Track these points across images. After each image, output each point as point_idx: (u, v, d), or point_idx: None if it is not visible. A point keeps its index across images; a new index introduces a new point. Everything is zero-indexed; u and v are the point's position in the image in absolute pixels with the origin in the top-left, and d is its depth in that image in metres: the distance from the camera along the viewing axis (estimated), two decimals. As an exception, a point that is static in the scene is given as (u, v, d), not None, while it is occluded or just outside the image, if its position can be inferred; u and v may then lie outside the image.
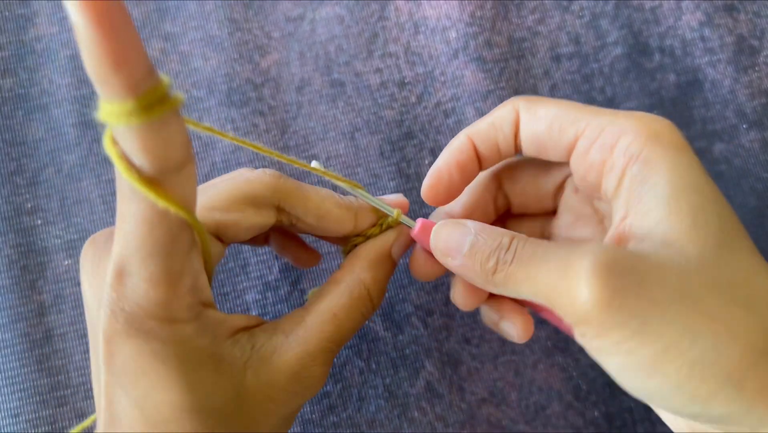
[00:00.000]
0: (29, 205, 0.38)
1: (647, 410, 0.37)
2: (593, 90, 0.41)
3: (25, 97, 0.39)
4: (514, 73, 0.41)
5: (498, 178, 0.31)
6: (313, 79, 0.40)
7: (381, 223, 0.29)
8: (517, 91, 0.40)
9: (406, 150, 0.40)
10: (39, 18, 0.40)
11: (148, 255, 0.21)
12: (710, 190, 0.24)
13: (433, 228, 0.27)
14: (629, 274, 0.21)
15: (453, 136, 0.39)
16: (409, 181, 0.39)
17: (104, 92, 0.18)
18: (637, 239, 0.23)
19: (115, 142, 0.19)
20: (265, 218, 0.27)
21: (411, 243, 0.30)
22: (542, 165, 0.30)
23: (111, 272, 0.22)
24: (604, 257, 0.22)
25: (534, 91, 0.41)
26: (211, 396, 0.23)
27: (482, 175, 0.31)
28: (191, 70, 0.40)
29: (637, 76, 0.41)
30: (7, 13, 0.41)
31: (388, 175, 0.39)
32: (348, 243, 0.30)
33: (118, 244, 0.21)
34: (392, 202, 0.30)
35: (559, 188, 0.31)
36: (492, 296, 0.29)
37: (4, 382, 0.36)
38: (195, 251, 0.23)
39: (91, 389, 0.36)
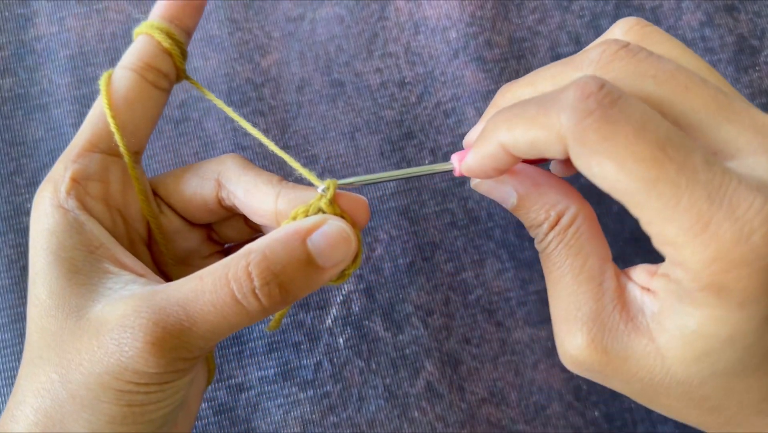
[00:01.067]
0: (29, 206, 0.38)
1: (647, 410, 0.37)
2: (593, 90, 0.41)
3: (24, 97, 0.39)
4: (514, 73, 0.41)
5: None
6: (313, 79, 0.40)
7: (308, 209, 0.24)
8: (517, 91, 0.40)
9: (406, 150, 0.40)
10: (39, 18, 0.40)
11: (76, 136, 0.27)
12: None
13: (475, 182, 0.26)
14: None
15: (453, 136, 0.40)
16: (409, 181, 0.39)
17: None
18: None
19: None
20: (205, 187, 0.28)
21: (349, 246, 0.24)
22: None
23: None
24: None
25: (534, 91, 0.41)
26: (58, 299, 0.24)
27: None
28: (191, 70, 0.40)
29: (637, 76, 0.41)
30: (6, 13, 0.40)
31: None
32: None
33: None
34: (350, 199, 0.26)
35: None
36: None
37: (4, 382, 0.36)
38: (107, 160, 0.27)
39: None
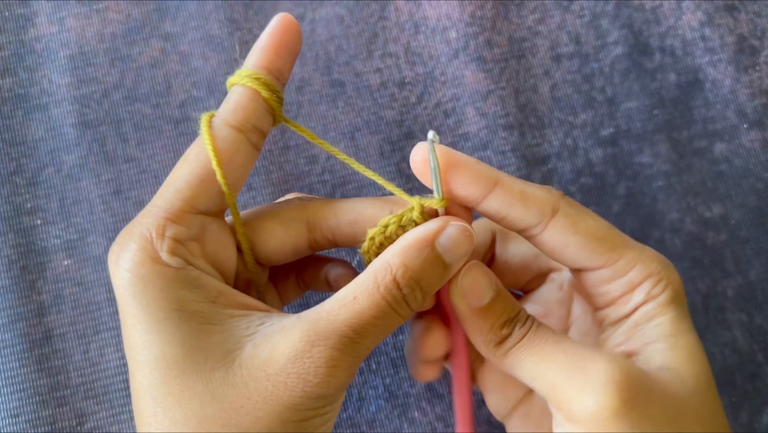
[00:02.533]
0: (29, 206, 0.38)
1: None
2: (593, 90, 0.41)
3: (24, 97, 0.39)
4: (514, 73, 0.41)
5: (493, 243, 0.32)
6: (313, 79, 0.40)
7: (402, 220, 0.26)
8: (517, 91, 0.40)
9: (406, 150, 0.40)
10: (39, 18, 0.40)
11: (168, 190, 0.25)
12: (696, 336, 0.27)
13: (465, 266, 0.26)
14: (640, 388, 0.24)
15: (453, 136, 0.40)
16: (409, 181, 0.39)
17: None
18: (639, 361, 0.26)
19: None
20: (294, 234, 0.28)
21: (471, 241, 0.25)
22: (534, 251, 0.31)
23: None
24: (622, 368, 0.24)
25: (534, 90, 0.40)
26: (198, 353, 0.23)
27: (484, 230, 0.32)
28: (191, 70, 0.40)
29: (637, 76, 0.41)
30: (6, 13, 0.40)
31: (388, 176, 0.39)
32: (368, 247, 0.27)
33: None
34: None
35: (542, 277, 0.32)
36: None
37: (4, 382, 0.36)
38: (205, 220, 0.26)
39: (90, 388, 0.36)
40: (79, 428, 0.35)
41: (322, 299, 0.25)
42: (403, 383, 0.37)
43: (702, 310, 0.38)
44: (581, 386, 0.24)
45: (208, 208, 0.26)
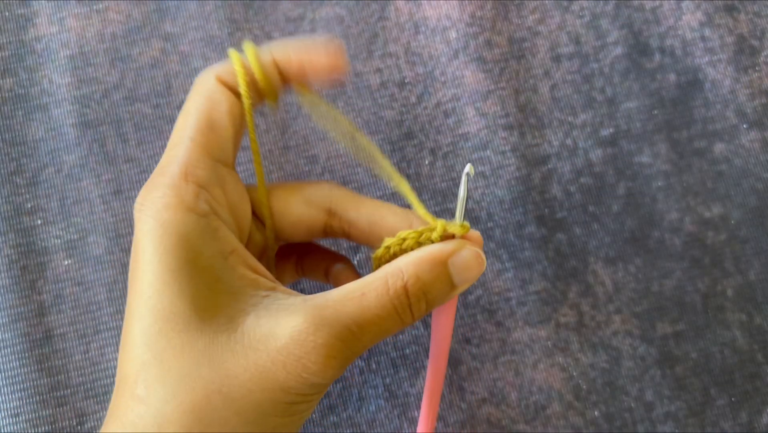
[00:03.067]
0: (29, 205, 0.38)
1: (647, 409, 0.37)
2: (593, 90, 0.41)
3: (25, 97, 0.39)
4: (514, 73, 0.41)
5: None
6: (313, 79, 0.40)
7: (421, 238, 0.26)
8: (517, 91, 0.40)
9: (406, 150, 0.40)
10: (39, 18, 0.40)
11: (184, 138, 0.25)
12: None
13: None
14: None
15: (453, 136, 0.40)
16: (409, 181, 0.39)
17: None
18: None
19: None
20: (314, 214, 0.28)
21: (481, 267, 0.26)
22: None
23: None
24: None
25: (534, 90, 0.41)
26: (205, 313, 0.23)
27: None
28: (191, 70, 0.40)
29: (637, 76, 0.41)
30: (6, 13, 0.41)
31: (388, 176, 0.39)
32: (381, 254, 0.27)
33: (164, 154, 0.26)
34: (468, 236, 0.27)
35: None
36: None
37: (4, 382, 0.36)
38: (221, 169, 0.26)
39: (90, 388, 0.36)
40: (79, 427, 0.36)
41: (315, 288, 0.25)
42: (403, 382, 0.37)
43: (702, 310, 0.38)
44: None
45: (219, 156, 0.26)
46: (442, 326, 0.29)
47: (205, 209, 0.24)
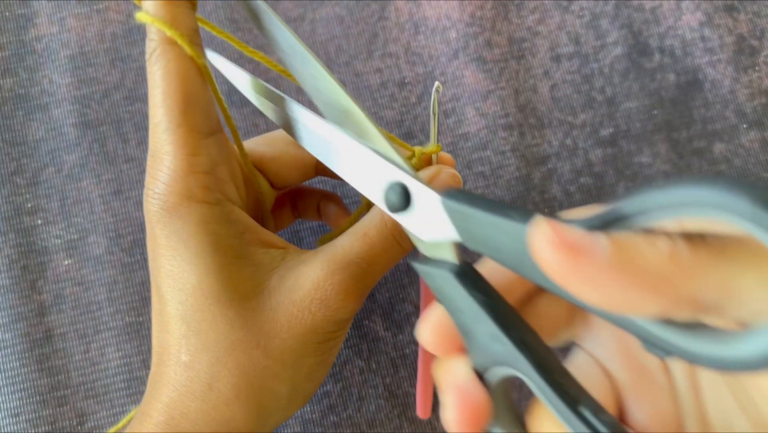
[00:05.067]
0: (29, 205, 0.38)
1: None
2: (593, 90, 0.41)
3: (25, 97, 0.39)
4: (514, 73, 0.41)
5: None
6: (313, 79, 0.40)
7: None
8: (517, 91, 0.40)
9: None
10: (39, 18, 0.40)
11: (171, 125, 0.25)
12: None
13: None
14: None
15: (453, 136, 0.40)
16: (409, 181, 0.39)
17: None
18: None
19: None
20: (305, 153, 0.30)
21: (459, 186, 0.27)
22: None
23: (148, 162, 0.26)
24: None
25: (534, 90, 0.41)
26: (231, 284, 0.25)
27: None
28: (191, 70, 0.40)
29: (637, 76, 0.41)
30: (7, 13, 0.41)
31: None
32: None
33: (151, 137, 0.25)
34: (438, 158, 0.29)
35: None
36: None
37: (5, 382, 0.36)
38: (215, 141, 0.26)
39: (90, 388, 0.36)
40: (79, 427, 0.36)
41: (312, 229, 0.25)
42: (402, 382, 0.37)
43: (701, 310, 0.38)
44: None
45: (209, 128, 0.26)
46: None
47: (217, 197, 0.26)
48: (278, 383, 0.25)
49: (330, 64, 0.41)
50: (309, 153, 0.29)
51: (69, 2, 0.41)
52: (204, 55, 0.26)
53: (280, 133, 0.31)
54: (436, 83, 0.28)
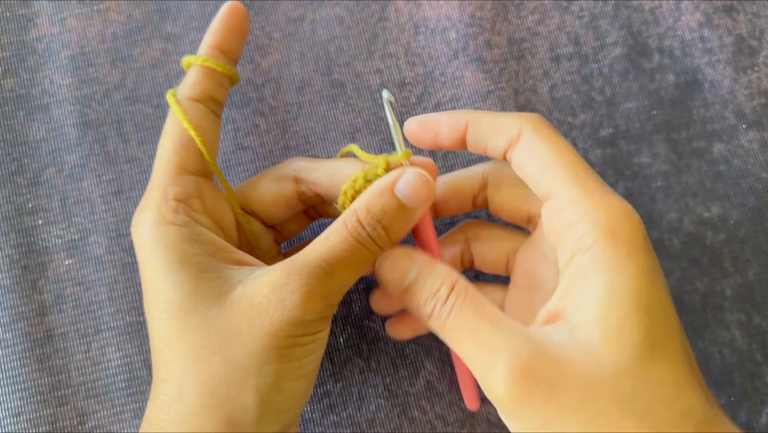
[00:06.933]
0: (30, 205, 0.38)
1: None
2: (592, 90, 0.41)
3: (26, 98, 0.40)
4: (513, 73, 0.41)
5: (466, 237, 0.34)
6: (314, 80, 0.40)
7: (368, 175, 0.29)
8: (516, 92, 0.41)
9: (406, 150, 0.40)
10: (40, 18, 0.41)
11: (159, 162, 0.29)
12: (647, 297, 0.24)
13: (380, 256, 0.28)
14: (541, 382, 0.23)
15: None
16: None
17: None
18: (567, 325, 0.25)
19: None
20: (285, 186, 0.32)
21: (429, 186, 0.28)
22: (504, 229, 0.34)
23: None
24: (521, 362, 0.24)
25: (534, 91, 0.41)
26: (195, 296, 0.26)
27: (452, 233, 0.35)
28: (192, 70, 0.40)
29: (636, 77, 0.41)
30: (8, 14, 0.41)
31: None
32: (342, 201, 0.29)
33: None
34: (418, 162, 0.30)
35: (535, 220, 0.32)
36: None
37: (5, 381, 0.36)
38: (195, 180, 0.29)
39: (91, 388, 0.36)
40: (80, 427, 0.36)
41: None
42: (403, 382, 0.37)
43: (701, 309, 0.38)
44: (490, 373, 0.24)
45: (196, 168, 0.30)
46: (423, 239, 0.31)
47: (184, 220, 0.28)
48: (243, 393, 0.25)
49: (330, 65, 0.41)
50: (289, 188, 0.32)
51: (70, 3, 0.41)
52: (216, 120, 0.31)
53: (261, 174, 0.33)
54: (385, 92, 0.30)
